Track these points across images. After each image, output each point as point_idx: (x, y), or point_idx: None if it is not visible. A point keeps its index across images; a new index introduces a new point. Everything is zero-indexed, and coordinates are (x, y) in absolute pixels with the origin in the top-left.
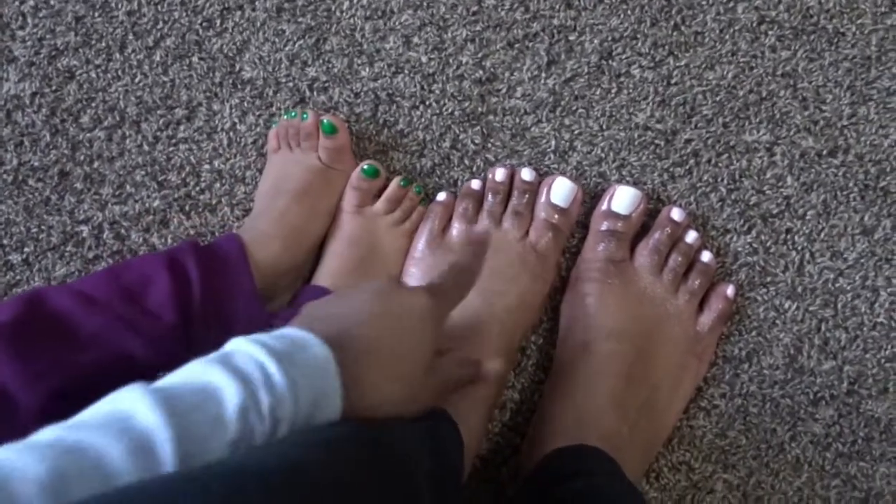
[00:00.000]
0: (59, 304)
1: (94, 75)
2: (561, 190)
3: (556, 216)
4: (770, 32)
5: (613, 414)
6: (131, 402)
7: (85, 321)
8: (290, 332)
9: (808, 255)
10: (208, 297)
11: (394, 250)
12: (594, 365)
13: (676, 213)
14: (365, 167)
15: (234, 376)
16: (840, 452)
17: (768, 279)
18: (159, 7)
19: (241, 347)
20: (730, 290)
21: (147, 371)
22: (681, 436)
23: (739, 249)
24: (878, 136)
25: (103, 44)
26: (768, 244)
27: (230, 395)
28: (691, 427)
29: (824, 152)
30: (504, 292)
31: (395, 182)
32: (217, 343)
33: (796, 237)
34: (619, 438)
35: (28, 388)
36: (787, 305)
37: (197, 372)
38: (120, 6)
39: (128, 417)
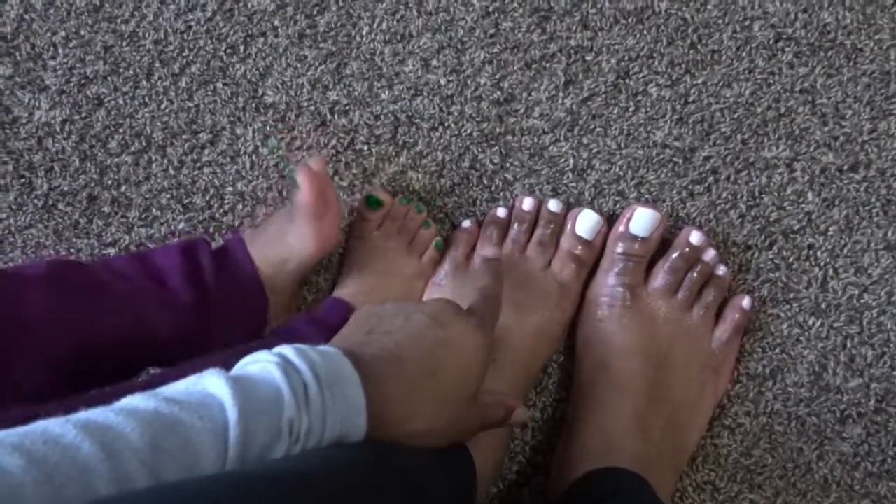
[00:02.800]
0: (92, 269)
1: (121, 102)
2: (587, 223)
3: (580, 248)
4: (787, 49)
5: (639, 435)
6: (217, 389)
7: (115, 287)
8: (336, 357)
9: (831, 271)
10: (219, 281)
11: (408, 276)
12: (615, 384)
13: (695, 237)
14: (370, 198)
15: (291, 391)
16: (869, 472)
17: (791, 295)
18: (185, 35)
19: (294, 359)
20: (745, 302)
21: (165, 346)
22: (705, 455)
23: (761, 266)
24: None
25: (131, 72)
26: (790, 260)
27: (288, 407)
28: (716, 446)
29: (845, 167)
30: (522, 321)
31: (396, 202)
32: (229, 323)
33: (819, 253)
34: (647, 459)
35: (55, 334)
36: (810, 322)
37: (270, 371)
38: (147, 35)
39: (216, 405)
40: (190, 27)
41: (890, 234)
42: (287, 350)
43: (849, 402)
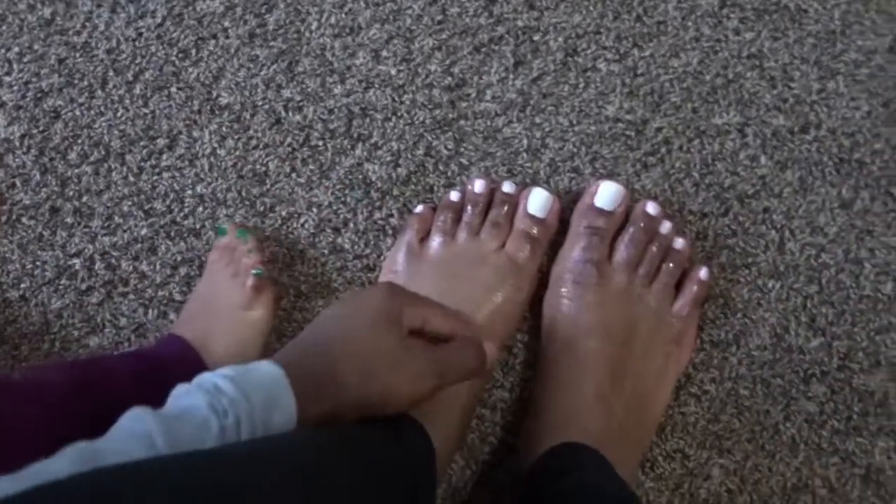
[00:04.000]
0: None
1: (78, 113)
2: (537, 200)
3: (534, 227)
4: (732, 15)
5: (600, 411)
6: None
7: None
8: (250, 365)
9: (787, 233)
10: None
11: (230, 304)
12: (578, 363)
13: (651, 208)
14: (218, 227)
15: (199, 391)
16: (836, 429)
17: (749, 260)
18: (136, 43)
19: (204, 376)
20: (702, 273)
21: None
22: (673, 424)
23: (718, 232)
24: (849, 108)
25: (86, 82)
26: (747, 225)
27: (200, 403)
28: (683, 414)
29: (796, 129)
30: (480, 303)
31: (231, 234)
32: None
33: (774, 216)
34: (606, 434)
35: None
36: (770, 285)
37: (178, 395)
38: (100, 45)
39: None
40: (141, 34)
41: (844, 192)
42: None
43: (812, 362)
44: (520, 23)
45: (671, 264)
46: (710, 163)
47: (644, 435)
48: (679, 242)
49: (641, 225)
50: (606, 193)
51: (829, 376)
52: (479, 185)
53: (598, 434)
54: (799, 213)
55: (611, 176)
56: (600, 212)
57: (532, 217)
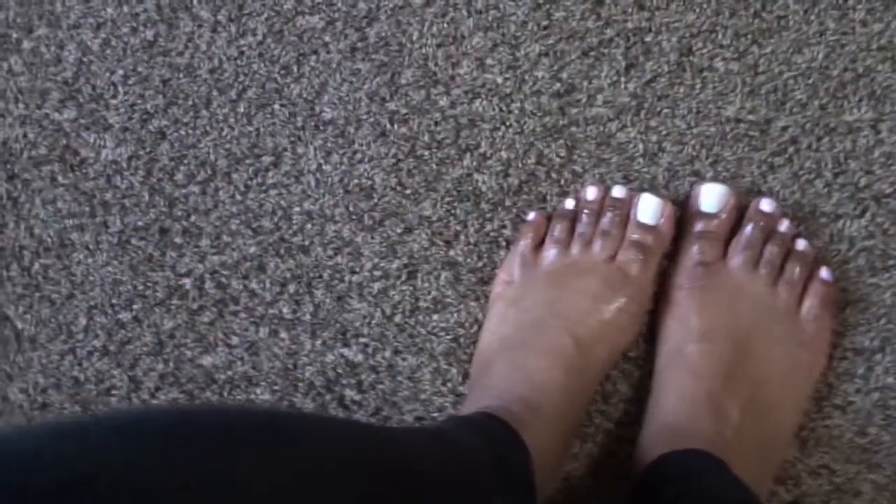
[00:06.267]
0: None
1: (183, 133)
2: (648, 207)
3: (647, 235)
4: (858, 7)
5: (713, 416)
6: None
7: None
8: None
9: None
10: None
11: None
12: (687, 366)
13: (766, 205)
14: None
15: None
16: None
17: (890, 262)
18: (238, 62)
19: None
20: (824, 273)
21: None
22: (817, 438)
23: (854, 234)
24: None
25: (190, 102)
26: (885, 225)
27: None
28: (827, 427)
29: None
30: (588, 312)
31: None
32: None
33: None
34: (721, 441)
35: None
36: None
37: None
38: (202, 65)
39: None
40: (242, 52)
41: None
42: None
43: None
44: (630, 24)
45: (796, 267)
46: (842, 162)
47: (773, 445)
48: (801, 244)
49: (758, 223)
50: (710, 196)
51: None
52: (592, 192)
53: (712, 439)
54: None
55: (734, 178)
56: (706, 215)
57: (643, 225)
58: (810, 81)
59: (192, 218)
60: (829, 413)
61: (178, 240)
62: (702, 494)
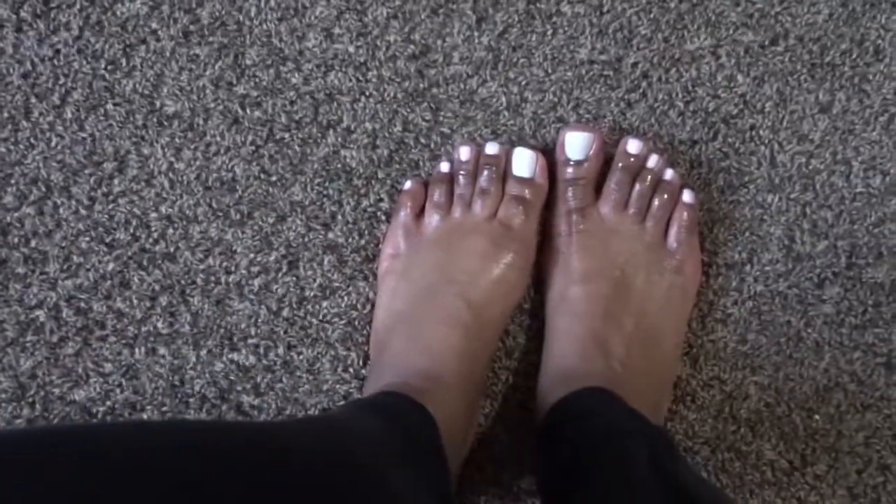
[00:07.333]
0: None
1: (3, 150)
2: (521, 160)
3: (524, 188)
4: None
5: (599, 354)
6: None
7: None
8: None
9: (776, 146)
10: None
11: None
12: (570, 310)
13: (633, 146)
14: None
15: None
16: (854, 325)
17: (745, 179)
18: (55, 61)
19: None
20: (686, 196)
21: None
22: (705, 353)
23: (711, 157)
24: (811, 14)
25: (5, 114)
26: (737, 145)
27: None
28: (713, 341)
29: (766, 43)
30: (478, 273)
31: None
32: None
33: (761, 131)
34: (612, 375)
35: None
36: (769, 199)
37: None
38: (12, 70)
39: None
40: (58, 51)
41: (821, 96)
42: None
43: (822, 266)
44: None
45: (664, 196)
46: (690, 89)
47: (662, 369)
48: (669, 174)
49: (626, 164)
50: (573, 142)
51: (841, 276)
52: (465, 153)
53: (605, 374)
54: (783, 125)
55: (596, 119)
56: (574, 162)
57: (519, 179)
58: (651, 16)
59: (33, 243)
60: (713, 328)
61: (20, 269)
62: (597, 429)
